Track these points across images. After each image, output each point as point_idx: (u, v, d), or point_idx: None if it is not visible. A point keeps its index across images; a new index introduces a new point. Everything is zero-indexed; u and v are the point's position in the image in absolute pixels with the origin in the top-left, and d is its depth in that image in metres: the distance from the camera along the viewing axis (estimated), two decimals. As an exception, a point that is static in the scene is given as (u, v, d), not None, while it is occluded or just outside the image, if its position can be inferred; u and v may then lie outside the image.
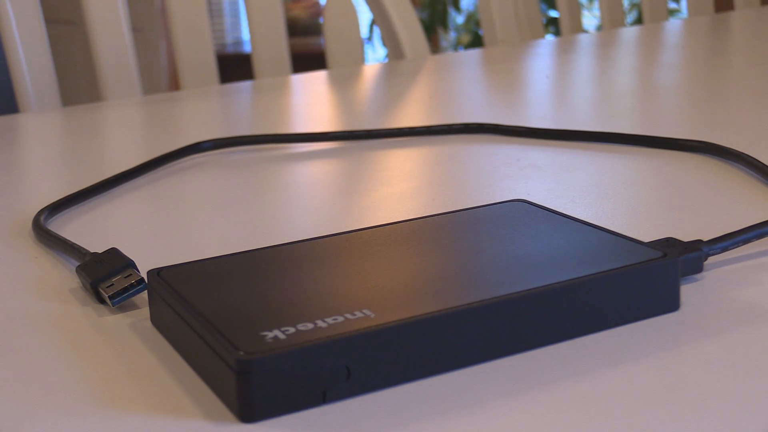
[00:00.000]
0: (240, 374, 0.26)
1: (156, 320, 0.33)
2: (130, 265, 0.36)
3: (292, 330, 0.28)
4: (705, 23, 1.29)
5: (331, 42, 1.08)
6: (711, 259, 0.36)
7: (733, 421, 0.26)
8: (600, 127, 0.60)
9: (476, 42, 3.20)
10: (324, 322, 0.28)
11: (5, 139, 0.71)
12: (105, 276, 0.35)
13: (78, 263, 0.37)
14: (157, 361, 0.31)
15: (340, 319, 0.28)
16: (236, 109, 0.82)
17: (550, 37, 2.07)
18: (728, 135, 0.56)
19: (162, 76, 2.41)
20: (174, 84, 2.34)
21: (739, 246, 0.36)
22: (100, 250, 0.38)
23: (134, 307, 0.35)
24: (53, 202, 0.47)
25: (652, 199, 0.47)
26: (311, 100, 0.87)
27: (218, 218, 0.47)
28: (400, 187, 0.51)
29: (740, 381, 0.28)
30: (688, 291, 0.34)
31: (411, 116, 0.74)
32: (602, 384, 0.28)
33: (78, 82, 2.04)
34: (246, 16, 1.05)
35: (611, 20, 1.34)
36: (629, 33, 1.27)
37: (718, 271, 0.36)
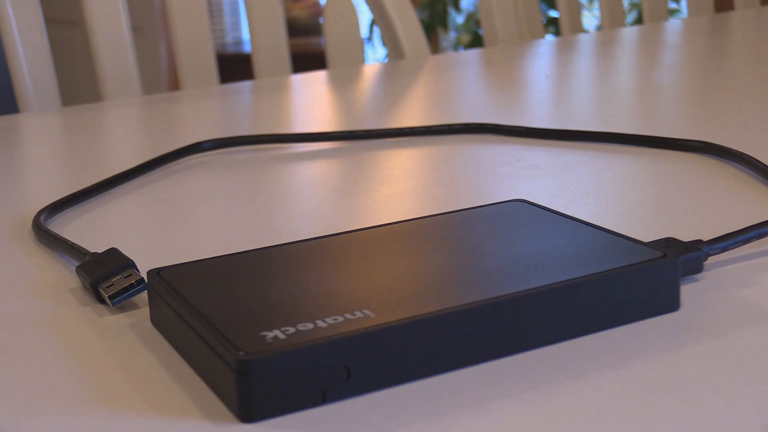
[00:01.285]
0: (240, 374, 0.26)
1: (156, 320, 0.33)
2: (130, 265, 0.36)
3: (292, 330, 0.28)
4: (705, 23, 1.29)
5: (331, 42, 1.08)
6: (711, 259, 0.36)
7: (733, 421, 0.26)
8: (600, 127, 0.60)
9: (476, 42, 3.20)
10: (324, 322, 0.28)
11: (5, 139, 0.71)
12: (105, 276, 0.35)
13: (78, 263, 0.37)
14: (157, 361, 0.31)
15: (340, 319, 0.28)
16: (236, 109, 0.82)
17: (550, 37, 2.07)
18: (728, 135, 0.56)
19: (162, 76, 2.41)
20: (174, 84, 2.34)
21: (739, 246, 0.36)
22: (100, 250, 0.38)
23: (134, 307, 0.35)
24: (53, 202, 0.47)
25: (652, 199, 0.47)
26: (311, 100, 0.87)
27: (218, 218, 0.47)
28: (400, 187, 0.51)
29: (740, 381, 0.28)
30: (688, 291, 0.34)
31: (411, 116, 0.74)
32: (602, 384, 0.28)
33: (78, 82, 2.04)
34: (246, 16, 1.05)
35: (611, 20, 1.34)
36: (629, 33, 1.27)
37: (718, 271, 0.36)
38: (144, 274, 0.34)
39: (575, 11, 1.32)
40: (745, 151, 0.49)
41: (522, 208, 0.39)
